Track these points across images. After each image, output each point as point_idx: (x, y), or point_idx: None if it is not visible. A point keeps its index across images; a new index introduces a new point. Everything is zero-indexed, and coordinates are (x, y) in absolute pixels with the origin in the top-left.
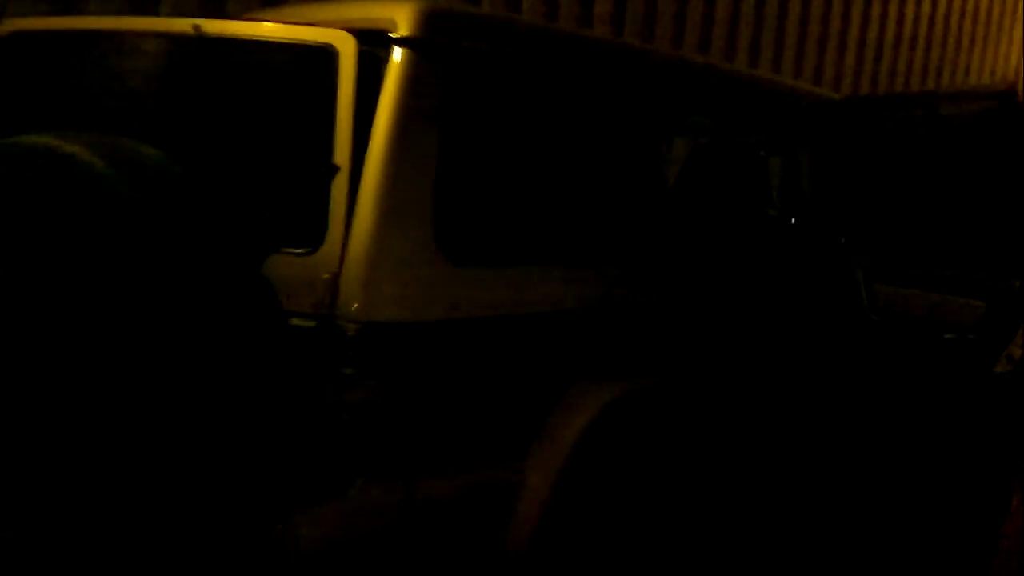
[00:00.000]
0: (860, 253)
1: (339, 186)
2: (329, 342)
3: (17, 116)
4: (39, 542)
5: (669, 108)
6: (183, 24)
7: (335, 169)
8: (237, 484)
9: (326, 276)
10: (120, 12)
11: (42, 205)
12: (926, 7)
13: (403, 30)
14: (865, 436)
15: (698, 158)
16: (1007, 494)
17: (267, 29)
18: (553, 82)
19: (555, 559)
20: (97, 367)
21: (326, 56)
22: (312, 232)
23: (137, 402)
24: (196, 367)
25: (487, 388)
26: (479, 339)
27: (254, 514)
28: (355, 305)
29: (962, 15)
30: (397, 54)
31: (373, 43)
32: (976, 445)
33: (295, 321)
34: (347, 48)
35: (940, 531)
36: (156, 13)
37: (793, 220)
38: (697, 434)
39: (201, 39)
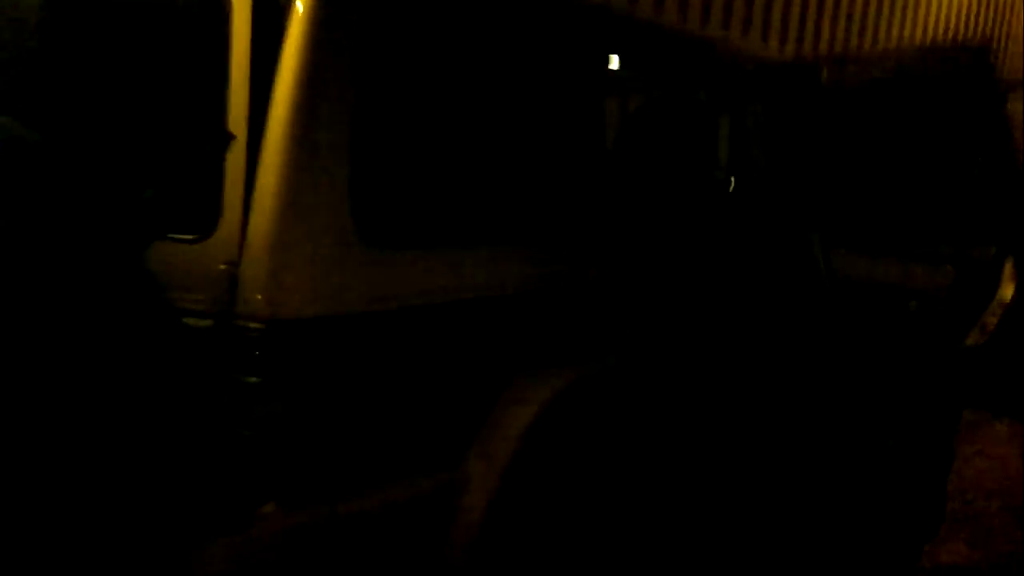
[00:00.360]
0: (817, 220)
1: (235, 157)
2: (229, 345)
3: None
4: None
5: (610, 65)
6: None
7: (230, 137)
8: (114, 518)
9: (222, 266)
10: None
11: None
12: None
13: None
14: (824, 410)
15: (642, 117)
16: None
17: None
18: (486, 35)
19: (501, 566)
20: None
21: (216, 1)
22: (204, 213)
23: None
24: (46, 375)
25: (420, 388)
26: (408, 333)
27: (140, 555)
28: (258, 300)
29: None
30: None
31: None
32: (929, 410)
33: (188, 321)
34: None
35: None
36: None
37: (737, 183)
38: (657, 418)
39: None
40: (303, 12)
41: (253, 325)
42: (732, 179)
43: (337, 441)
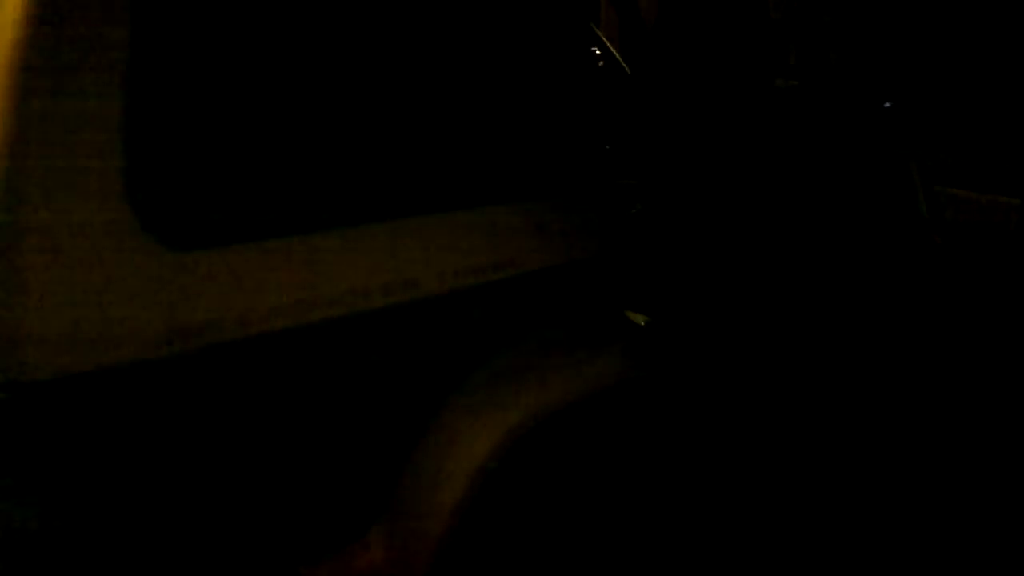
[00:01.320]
0: (910, 136)
1: None
2: None
3: None
4: None
5: None
6: None
7: None
8: None
9: None
10: None
11: None
12: None
13: None
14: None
15: (668, 7)
16: None
17: None
18: None
19: None
20: None
21: None
22: None
23: None
24: None
25: (272, 454)
26: (240, 378)
27: None
28: None
29: None
30: None
31: None
32: None
33: None
34: None
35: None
36: None
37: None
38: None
39: None
40: None
41: None
42: (796, 89)
43: (121, 552)
